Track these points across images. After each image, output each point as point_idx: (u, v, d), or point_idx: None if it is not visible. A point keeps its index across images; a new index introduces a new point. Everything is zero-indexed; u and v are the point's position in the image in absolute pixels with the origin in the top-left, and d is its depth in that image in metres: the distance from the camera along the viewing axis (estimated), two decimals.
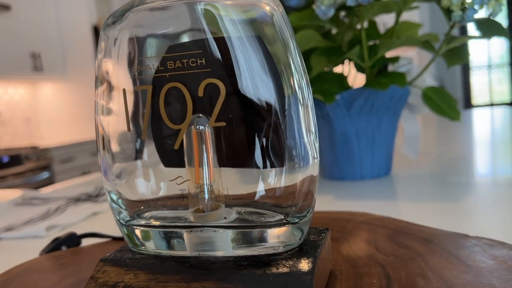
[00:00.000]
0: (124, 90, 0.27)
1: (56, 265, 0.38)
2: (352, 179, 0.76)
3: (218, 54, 0.25)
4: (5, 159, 2.80)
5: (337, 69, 0.78)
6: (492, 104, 5.31)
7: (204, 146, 0.27)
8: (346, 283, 0.28)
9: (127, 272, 0.27)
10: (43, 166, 3.05)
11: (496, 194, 0.59)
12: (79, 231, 0.47)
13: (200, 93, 0.25)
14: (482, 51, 5.44)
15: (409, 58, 0.79)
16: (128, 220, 0.29)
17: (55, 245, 0.42)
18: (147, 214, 0.29)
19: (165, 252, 0.28)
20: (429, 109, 0.74)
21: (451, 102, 0.71)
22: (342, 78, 0.75)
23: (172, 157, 0.28)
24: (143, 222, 0.29)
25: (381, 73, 0.73)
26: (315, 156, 0.28)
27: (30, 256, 0.42)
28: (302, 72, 0.28)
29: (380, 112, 0.74)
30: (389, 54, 0.74)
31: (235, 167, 0.28)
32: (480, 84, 5.41)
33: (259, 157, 0.26)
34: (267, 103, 0.26)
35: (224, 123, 0.25)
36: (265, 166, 0.27)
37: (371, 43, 0.72)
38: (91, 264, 0.33)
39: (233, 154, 0.27)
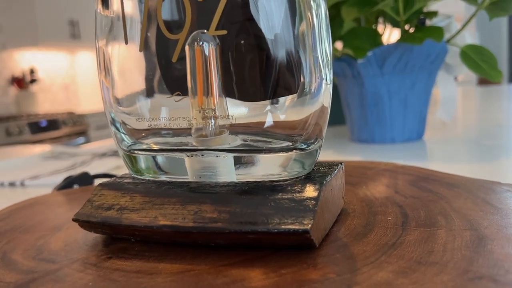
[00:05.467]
0: None
1: (64, 199, 0.37)
2: (382, 142, 0.73)
3: None
4: (43, 123, 2.88)
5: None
6: None
7: (207, 65, 0.24)
8: (358, 220, 0.26)
9: (123, 195, 0.25)
10: (79, 132, 3.13)
11: None
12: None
13: None
14: None
15: (449, 14, 0.74)
16: (129, 146, 0.28)
17: (67, 183, 0.42)
18: (149, 141, 0.27)
19: (165, 177, 0.26)
20: (468, 69, 0.69)
21: (492, 61, 0.67)
22: (375, 34, 0.71)
23: (178, 82, 0.26)
24: (144, 147, 0.27)
25: (417, 28, 0.69)
26: (328, 82, 0.26)
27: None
28: None
29: (415, 72, 0.69)
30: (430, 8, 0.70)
31: (242, 97, 0.25)
32: None
33: (266, 81, 0.24)
34: (276, 18, 0.24)
35: (224, 32, 0.23)
36: (273, 93, 0.25)
37: None
38: None
39: (239, 82, 0.25)
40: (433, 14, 0.69)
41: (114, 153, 0.84)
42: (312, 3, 0.25)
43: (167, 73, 0.26)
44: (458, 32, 0.69)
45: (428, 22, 0.74)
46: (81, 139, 3.12)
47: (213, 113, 0.25)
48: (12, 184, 0.61)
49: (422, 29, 0.66)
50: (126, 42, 0.25)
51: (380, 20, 0.75)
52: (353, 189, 0.32)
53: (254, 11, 0.24)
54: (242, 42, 0.24)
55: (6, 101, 3.37)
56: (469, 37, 0.73)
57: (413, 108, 0.71)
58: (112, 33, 0.26)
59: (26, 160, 0.86)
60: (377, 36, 0.71)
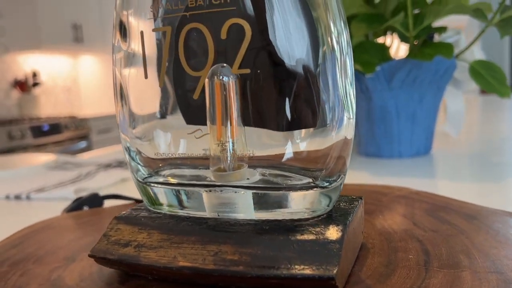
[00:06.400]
0: (141, 33, 0.24)
1: (75, 223, 0.36)
2: (389, 156, 0.72)
3: None
4: (46, 128, 2.88)
5: (380, 41, 0.74)
6: None
7: (227, 99, 0.24)
8: (379, 257, 0.25)
9: (140, 231, 0.25)
10: (81, 136, 3.13)
11: None
12: (105, 193, 0.46)
13: (223, 35, 0.22)
14: None
15: (458, 29, 0.73)
16: (145, 178, 0.27)
17: (77, 205, 0.41)
18: (165, 172, 0.27)
19: (183, 212, 0.26)
20: (476, 85, 0.69)
21: (501, 77, 0.66)
22: (383, 48, 0.70)
23: (195, 113, 0.26)
24: (161, 179, 0.27)
25: (426, 44, 0.68)
26: (350, 116, 0.25)
27: (56, 215, 0.42)
28: (342, 22, 0.25)
29: (423, 87, 0.69)
30: (437, 24, 0.69)
31: (261, 126, 0.25)
32: None
33: (288, 115, 0.24)
34: (299, 52, 0.23)
35: (248, 70, 0.23)
36: (294, 126, 0.24)
37: (416, 11, 0.67)
38: None
39: (259, 111, 0.24)
40: (443, 29, 0.69)
41: (119, 164, 0.84)
42: (332, 28, 0.24)
43: (186, 108, 0.25)
44: (467, 47, 0.69)
45: (437, 37, 0.74)
46: (83, 143, 3.11)
47: (232, 146, 0.25)
48: (18, 197, 0.60)
49: (431, 45, 0.66)
50: (146, 77, 0.25)
51: (388, 32, 0.74)
52: (370, 219, 0.32)
53: (273, 37, 0.23)
54: (259, 71, 0.24)
55: (8, 104, 3.37)
56: (478, 52, 0.72)
57: (421, 123, 0.71)
58: (130, 66, 0.26)
59: (30, 170, 0.85)
60: (385, 51, 0.70)
